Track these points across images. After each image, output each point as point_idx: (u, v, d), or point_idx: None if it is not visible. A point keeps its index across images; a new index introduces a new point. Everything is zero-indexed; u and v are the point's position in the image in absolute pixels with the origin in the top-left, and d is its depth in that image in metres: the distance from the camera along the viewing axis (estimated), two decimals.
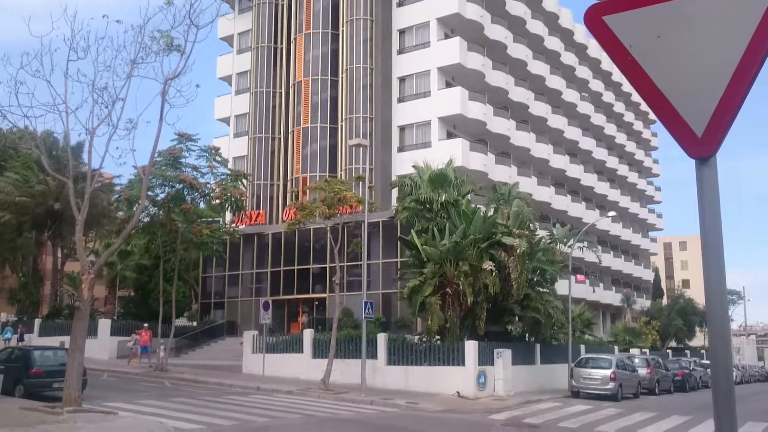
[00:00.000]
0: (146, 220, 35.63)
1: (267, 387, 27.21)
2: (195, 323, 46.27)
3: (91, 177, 19.03)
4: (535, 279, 32.28)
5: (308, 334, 32.57)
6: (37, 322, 42.04)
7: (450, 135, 45.85)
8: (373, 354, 29.00)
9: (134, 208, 32.01)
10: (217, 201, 36.90)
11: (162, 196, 34.04)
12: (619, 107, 71.71)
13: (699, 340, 72.89)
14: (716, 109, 2.56)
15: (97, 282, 21.89)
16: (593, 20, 2.83)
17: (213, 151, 35.96)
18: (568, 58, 61.83)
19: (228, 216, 42.76)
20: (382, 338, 29.91)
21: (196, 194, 35.18)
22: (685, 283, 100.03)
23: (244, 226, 45.55)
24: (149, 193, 31.63)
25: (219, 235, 38.78)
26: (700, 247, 2.61)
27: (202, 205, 38.01)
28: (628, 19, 2.75)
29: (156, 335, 35.16)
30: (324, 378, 26.71)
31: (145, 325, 35.09)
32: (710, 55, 2.58)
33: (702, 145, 2.57)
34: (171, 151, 33.60)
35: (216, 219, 41.67)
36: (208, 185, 35.69)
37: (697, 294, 70.55)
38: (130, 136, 19.12)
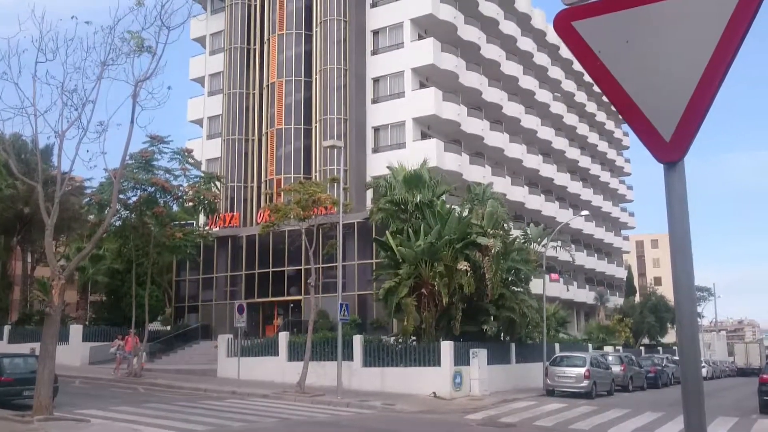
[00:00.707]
0: (118, 223, 35.19)
1: (242, 391, 27.04)
2: (169, 327, 45.81)
3: (61, 181, 18.76)
4: (509, 279, 32.49)
5: (283, 337, 32.42)
6: (7, 328, 41.35)
7: (424, 136, 45.94)
8: (349, 356, 28.95)
9: (105, 212, 31.61)
10: (191, 204, 36.56)
11: (134, 199, 33.65)
12: (591, 107, 72.41)
13: (671, 336, 73.75)
14: (684, 114, 2.57)
15: (68, 287, 21.60)
16: (563, 26, 2.84)
17: (186, 154, 35.63)
18: (541, 59, 62.30)
19: (201, 219, 42.39)
20: (357, 340, 29.88)
21: (168, 197, 34.79)
22: (657, 281, 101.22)
23: (217, 228, 45.22)
24: (121, 196, 31.23)
25: (192, 239, 38.42)
26: (669, 251, 2.63)
27: (175, 208, 37.64)
28: (597, 24, 2.76)
29: (123, 339, 34.78)
30: (300, 381, 26.61)
31: (131, 330, 34.30)
32: (677, 60, 2.60)
33: (670, 150, 2.59)
34: (143, 154, 33.23)
35: (189, 222, 41.27)
36: (181, 188, 35.35)
37: (668, 291, 71.36)
38: (100, 138, 18.82)
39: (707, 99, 2.54)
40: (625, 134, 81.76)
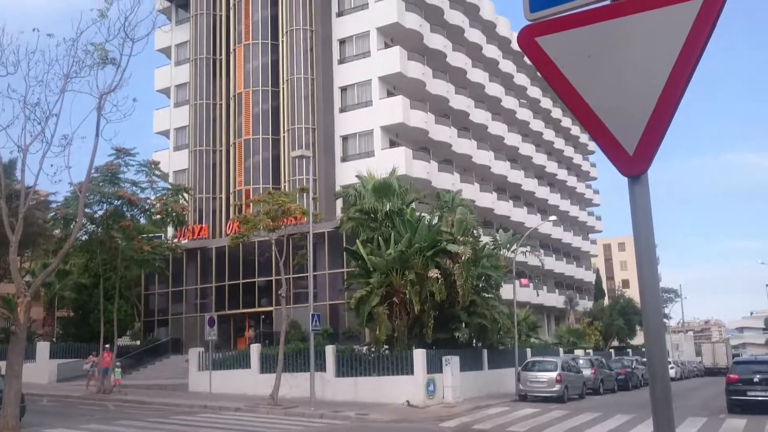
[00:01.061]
0: (84, 238, 34.69)
1: (214, 405, 26.76)
2: (138, 342, 45.20)
3: (25, 196, 18.45)
4: (480, 285, 32.66)
5: (255, 349, 32.19)
6: None
7: (393, 144, 46.06)
8: (321, 366, 28.84)
9: (71, 227, 31.13)
10: (158, 216, 36.15)
11: (100, 213, 33.19)
12: (556, 113, 73.25)
13: (640, 338, 74.58)
14: (646, 128, 2.62)
15: (34, 303, 21.21)
16: (526, 41, 2.89)
17: (152, 166, 35.25)
18: (507, 66, 62.90)
19: (170, 231, 41.94)
20: (330, 350, 29.78)
21: (135, 210, 34.40)
22: (625, 283, 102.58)
23: (186, 240, 44.79)
24: (87, 210, 30.81)
25: (161, 252, 38.00)
26: (635, 262, 2.69)
27: (142, 221, 37.20)
28: (560, 40, 2.81)
29: (97, 356, 34.21)
30: (273, 393, 26.42)
31: (107, 345, 33.61)
32: (639, 74, 2.65)
33: (634, 163, 2.64)
34: (108, 167, 32.80)
35: (158, 234, 40.82)
36: (149, 200, 34.96)
37: (636, 294, 71.89)
38: (65, 152, 18.54)
39: (669, 112, 2.60)
40: (591, 139, 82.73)
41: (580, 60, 2.76)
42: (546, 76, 2.87)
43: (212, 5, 51.19)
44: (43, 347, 38.47)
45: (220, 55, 50.62)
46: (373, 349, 30.20)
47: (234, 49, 49.31)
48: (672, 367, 50.43)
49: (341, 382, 29.00)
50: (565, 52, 2.80)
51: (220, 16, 51.09)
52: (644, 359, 47.89)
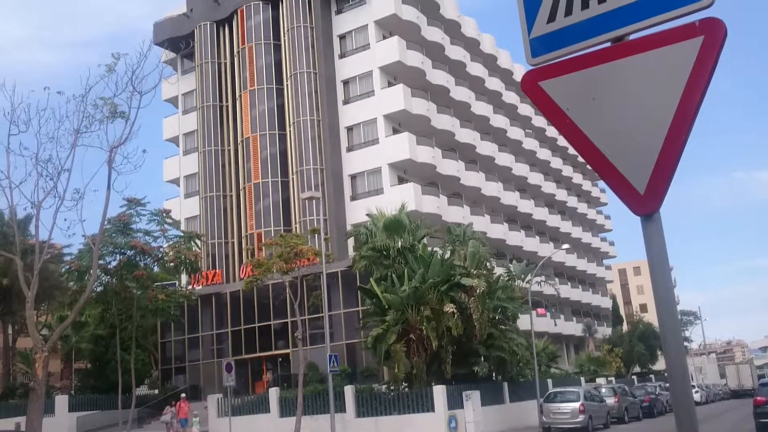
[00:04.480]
0: (99, 289, 34.78)
1: None
2: (156, 391, 44.97)
3: (39, 251, 18.60)
4: (496, 317, 32.41)
5: (274, 393, 31.97)
6: None
7: (401, 180, 46.23)
8: (341, 407, 28.57)
9: (85, 279, 31.26)
10: (172, 264, 36.26)
11: (114, 264, 33.34)
12: (562, 140, 72.99)
13: (662, 363, 73.67)
14: (656, 167, 2.64)
15: (51, 356, 21.22)
16: (530, 86, 2.93)
17: (163, 214, 35.49)
18: (510, 97, 63.29)
19: (184, 278, 42.03)
20: (349, 391, 29.53)
21: (149, 259, 34.55)
22: (643, 308, 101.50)
23: (200, 287, 44.84)
24: (101, 261, 30.96)
25: (175, 299, 38.00)
26: (653, 298, 2.68)
27: (156, 270, 37.31)
28: (564, 83, 2.85)
29: (116, 407, 34.01)
30: None
31: (183, 395, 33.09)
32: (644, 113, 2.68)
33: (645, 202, 2.65)
34: (120, 218, 33.04)
35: (171, 282, 40.89)
36: (161, 249, 35.11)
37: (655, 318, 71.33)
38: (77, 206, 18.77)
39: (677, 150, 2.62)
40: (601, 179, 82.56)
41: (585, 102, 2.79)
42: (552, 119, 2.90)
43: (216, 54, 52.00)
44: (61, 401, 38.30)
45: (227, 101, 51.27)
46: (392, 388, 29.94)
47: (240, 95, 49.95)
48: (696, 391, 49.51)
49: (362, 423, 28.69)
50: (570, 96, 2.84)
51: (225, 63, 51.86)
52: (668, 384, 47.30)
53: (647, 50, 2.68)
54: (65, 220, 25.56)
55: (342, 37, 49.12)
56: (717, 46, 2.55)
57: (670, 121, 2.63)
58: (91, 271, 21.50)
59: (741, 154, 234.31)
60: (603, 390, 36.37)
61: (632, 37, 2.74)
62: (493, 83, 60.65)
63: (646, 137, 2.67)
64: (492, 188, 55.85)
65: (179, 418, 32.15)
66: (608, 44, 2.78)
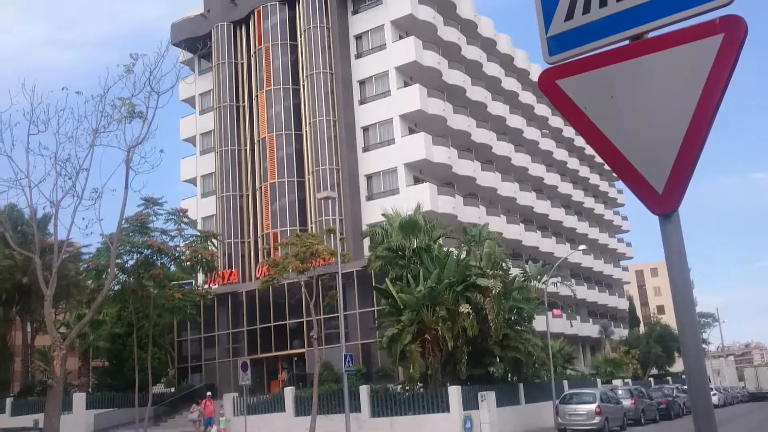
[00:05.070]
0: (117, 288, 35.03)
1: None
2: (173, 389, 45.23)
3: (58, 250, 18.76)
4: (512, 318, 32.28)
5: (289, 392, 32.07)
6: (9, 401, 40.73)
7: (417, 180, 46.19)
8: (356, 407, 28.60)
9: (103, 277, 31.52)
10: (188, 263, 36.49)
11: (131, 262, 33.59)
12: (579, 141, 72.88)
13: (679, 365, 73.07)
14: (674, 166, 2.61)
15: (69, 354, 21.41)
16: (547, 84, 2.91)
17: (180, 214, 35.70)
18: (527, 97, 63.06)
19: (200, 277, 42.27)
20: (364, 390, 29.56)
21: (165, 258, 34.76)
22: (660, 309, 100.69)
23: (217, 286, 45.05)
24: (118, 260, 31.19)
25: (192, 298, 38.28)
26: (671, 298, 2.66)
27: (172, 269, 37.53)
28: (581, 82, 2.83)
29: (133, 405, 34.27)
30: None
31: (208, 393, 33.16)
32: (663, 112, 2.65)
33: (664, 202, 2.62)
34: (138, 217, 33.28)
35: (188, 281, 41.12)
36: (178, 248, 35.32)
37: (672, 319, 70.98)
38: (95, 205, 18.93)
39: (696, 148, 2.59)
40: (619, 178, 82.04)
41: (603, 101, 2.77)
42: (569, 118, 2.88)
43: (233, 54, 52.22)
44: (79, 398, 38.63)
45: (243, 101, 51.48)
46: (407, 388, 29.94)
47: (256, 96, 50.12)
48: (714, 394, 49.10)
49: (377, 423, 28.70)
50: (587, 94, 2.81)
51: (242, 64, 52.08)
52: (685, 387, 46.91)
53: (666, 48, 2.65)
54: (83, 219, 25.89)
55: (358, 38, 49.18)
56: (737, 44, 2.52)
57: (689, 120, 2.61)
58: (109, 270, 21.68)
59: (761, 155, 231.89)
60: (619, 392, 36.16)
61: (651, 35, 2.72)
62: (510, 83, 60.45)
63: (664, 136, 2.65)
64: (508, 188, 55.66)
65: (206, 417, 32.09)
66: (627, 42, 2.76)
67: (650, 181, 2.66)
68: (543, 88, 2.93)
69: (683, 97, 2.62)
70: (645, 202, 2.67)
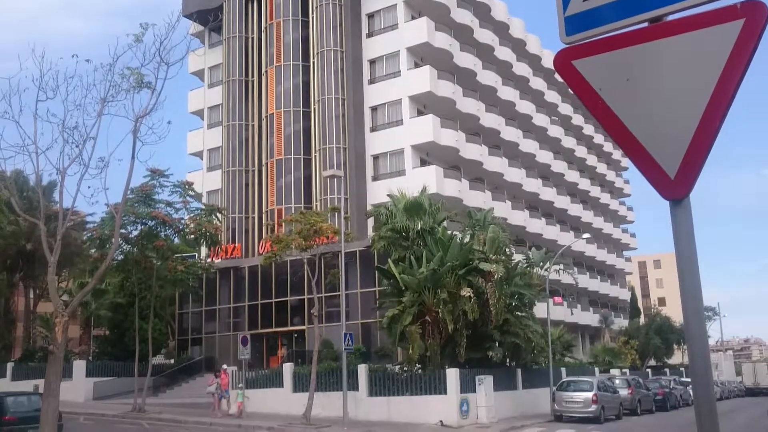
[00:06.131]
0: (120, 258, 35.15)
1: (248, 424, 26.82)
2: (172, 361, 45.56)
3: (63, 217, 18.77)
4: (513, 304, 32.33)
5: (288, 368, 32.23)
6: (10, 365, 41.09)
7: (423, 162, 46.09)
8: (354, 386, 28.74)
9: (107, 247, 31.61)
10: (192, 236, 36.57)
11: (135, 233, 33.66)
12: (588, 129, 72.69)
13: (678, 357, 73.32)
14: (688, 151, 2.59)
15: (71, 322, 21.50)
16: (563, 65, 2.88)
17: (186, 186, 35.70)
18: (537, 83, 62.70)
19: (203, 251, 42.35)
20: (362, 369, 29.69)
21: (169, 230, 34.82)
22: (661, 301, 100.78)
23: (219, 260, 45.16)
24: (122, 230, 31.25)
25: (194, 271, 38.40)
26: (678, 284, 2.64)
27: (176, 241, 37.63)
28: (597, 63, 2.79)
29: (132, 374, 34.53)
30: (305, 412, 26.40)
31: (224, 366, 32.81)
32: (679, 96, 2.62)
33: (675, 187, 2.60)
34: (143, 188, 33.29)
35: (191, 254, 41.25)
36: (182, 221, 35.37)
37: (673, 312, 71.12)
38: (101, 174, 18.88)
39: (710, 135, 2.57)
40: (624, 155, 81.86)
41: (619, 83, 2.74)
42: (583, 99, 2.85)
43: (244, 28, 51.94)
44: (79, 366, 38.96)
45: (253, 76, 51.27)
46: (405, 369, 30.06)
47: (266, 71, 49.91)
48: None
49: (374, 402, 28.87)
50: (603, 75, 2.78)
51: (252, 38, 51.81)
52: (683, 379, 46.95)
53: (685, 32, 2.62)
54: (89, 187, 25.85)
55: (370, 16, 48.85)
56: (758, 29, 2.48)
57: (705, 106, 2.58)
58: (113, 240, 21.70)
59: None
60: (617, 381, 36.31)
61: (670, 18, 2.68)
62: (521, 68, 60.08)
63: (679, 121, 2.62)
64: (515, 174, 55.53)
65: (222, 390, 31.87)
66: (645, 24, 2.72)
67: (663, 166, 2.63)
68: (558, 68, 2.89)
69: (700, 82, 2.59)
70: (656, 187, 2.64)
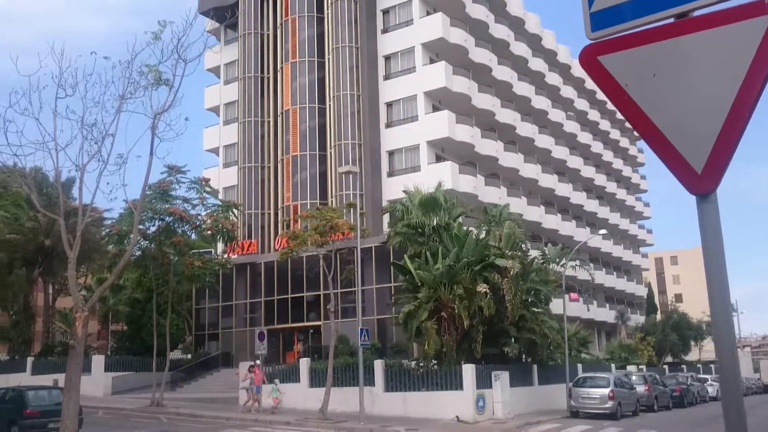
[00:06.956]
0: (138, 253, 35.45)
1: (264, 418, 26.98)
2: (189, 356, 45.90)
3: (83, 213, 18.93)
4: (529, 300, 32.25)
5: (304, 363, 32.36)
6: (30, 360, 41.59)
7: (439, 158, 46.03)
8: (370, 381, 28.81)
9: (125, 242, 31.89)
10: (209, 232, 36.81)
11: (153, 229, 33.93)
12: (604, 125, 72.28)
13: (694, 354, 72.82)
14: (715, 146, 2.60)
15: (90, 317, 21.70)
16: (589, 60, 2.89)
17: (203, 183, 35.94)
18: (553, 78, 62.40)
19: (220, 247, 42.62)
20: (379, 365, 29.75)
21: (186, 226, 35.07)
22: (678, 297, 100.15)
23: (236, 256, 45.40)
24: (140, 226, 31.48)
25: (211, 267, 38.65)
26: (706, 282, 2.66)
27: (193, 237, 37.89)
28: (624, 58, 2.81)
29: (150, 369, 34.82)
30: (322, 407, 26.51)
31: (257, 362, 32.74)
32: (706, 92, 2.64)
33: (702, 182, 2.62)
34: (161, 184, 33.55)
35: (208, 250, 41.51)
36: (199, 217, 35.59)
37: (690, 308, 70.65)
38: (120, 171, 18.95)
39: (738, 130, 2.58)
40: (640, 151, 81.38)
41: (645, 79, 2.75)
42: (609, 95, 2.87)
43: (260, 25, 52.09)
44: (98, 361, 39.35)
45: (268, 73, 51.41)
46: (421, 364, 30.08)
47: (281, 67, 50.03)
48: None
49: (390, 397, 28.93)
50: (629, 71, 2.80)
51: (268, 35, 51.94)
52: (700, 376, 46.60)
53: (712, 27, 2.63)
54: (108, 183, 25.99)
55: (385, 12, 48.80)
56: None
57: (732, 102, 2.59)
58: (131, 236, 21.88)
59: None
60: (633, 377, 36.12)
61: (697, 13, 2.69)
62: (537, 64, 59.81)
63: (706, 116, 2.63)
64: (530, 170, 55.34)
65: (255, 385, 31.61)
66: (671, 20, 2.73)
67: (689, 161, 2.65)
68: (584, 63, 2.91)
69: (727, 78, 2.60)
70: (683, 182, 2.66)
